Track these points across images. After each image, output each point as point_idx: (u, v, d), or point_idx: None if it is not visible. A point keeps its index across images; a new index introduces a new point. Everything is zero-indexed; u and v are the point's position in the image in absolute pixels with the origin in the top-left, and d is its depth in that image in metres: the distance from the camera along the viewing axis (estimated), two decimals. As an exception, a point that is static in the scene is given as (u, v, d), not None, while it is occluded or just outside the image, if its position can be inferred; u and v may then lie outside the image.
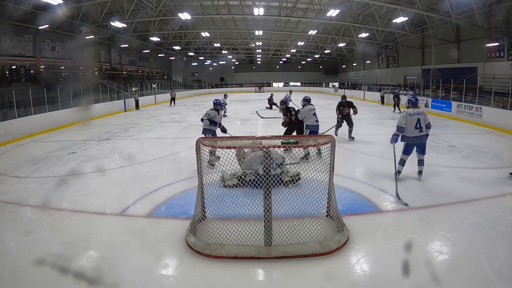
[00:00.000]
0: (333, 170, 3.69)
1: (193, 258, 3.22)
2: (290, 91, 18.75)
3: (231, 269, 3.07)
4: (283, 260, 3.16)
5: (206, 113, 6.47)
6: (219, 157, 5.86)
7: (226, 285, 2.91)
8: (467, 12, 15.96)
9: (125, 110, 18.68)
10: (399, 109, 15.68)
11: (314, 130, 6.71)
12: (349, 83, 33.81)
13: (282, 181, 4.68)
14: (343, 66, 41.97)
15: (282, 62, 44.23)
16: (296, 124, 7.05)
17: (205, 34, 25.25)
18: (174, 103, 22.77)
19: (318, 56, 37.48)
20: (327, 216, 3.85)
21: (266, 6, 19.78)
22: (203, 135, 6.14)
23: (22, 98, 11.16)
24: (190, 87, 38.05)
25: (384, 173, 5.79)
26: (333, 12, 16.65)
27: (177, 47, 30.81)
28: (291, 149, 5.50)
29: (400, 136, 5.14)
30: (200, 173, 3.59)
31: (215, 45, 32.57)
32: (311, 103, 6.94)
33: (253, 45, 33.32)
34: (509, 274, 2.90)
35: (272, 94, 19.27)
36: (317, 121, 6.77)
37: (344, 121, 8.64)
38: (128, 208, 4.42)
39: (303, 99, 7.05)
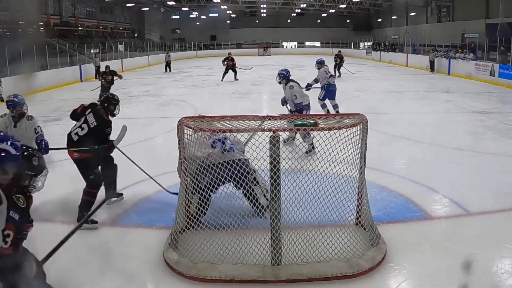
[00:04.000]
0: (364, 162, 3.68)
1: (174, 282, 3.21)
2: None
3: (226, 296, 3.06)
4: (297, 284, 3.15)
5: None
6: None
7: (219, 318, 2.91)
8: None
9: (81, 80, 18.79)
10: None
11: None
12: (387, 43, 33.45)
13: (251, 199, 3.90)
14: (379, 20, 42.11)
15: (295, 14, 44.13)
16: None
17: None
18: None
19: (345, 6, 37.46)
20: (356, 224, 3.85)
21: None
22: None
23: None
24: (171, 49, 37.82)
25: (435, 166, 5.78)
26: None
27: (151, -6, 30.56)
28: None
29: None
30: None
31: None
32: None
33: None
34: None
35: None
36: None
37: None
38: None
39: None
